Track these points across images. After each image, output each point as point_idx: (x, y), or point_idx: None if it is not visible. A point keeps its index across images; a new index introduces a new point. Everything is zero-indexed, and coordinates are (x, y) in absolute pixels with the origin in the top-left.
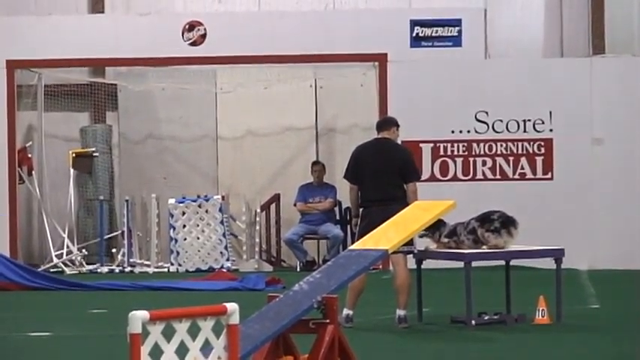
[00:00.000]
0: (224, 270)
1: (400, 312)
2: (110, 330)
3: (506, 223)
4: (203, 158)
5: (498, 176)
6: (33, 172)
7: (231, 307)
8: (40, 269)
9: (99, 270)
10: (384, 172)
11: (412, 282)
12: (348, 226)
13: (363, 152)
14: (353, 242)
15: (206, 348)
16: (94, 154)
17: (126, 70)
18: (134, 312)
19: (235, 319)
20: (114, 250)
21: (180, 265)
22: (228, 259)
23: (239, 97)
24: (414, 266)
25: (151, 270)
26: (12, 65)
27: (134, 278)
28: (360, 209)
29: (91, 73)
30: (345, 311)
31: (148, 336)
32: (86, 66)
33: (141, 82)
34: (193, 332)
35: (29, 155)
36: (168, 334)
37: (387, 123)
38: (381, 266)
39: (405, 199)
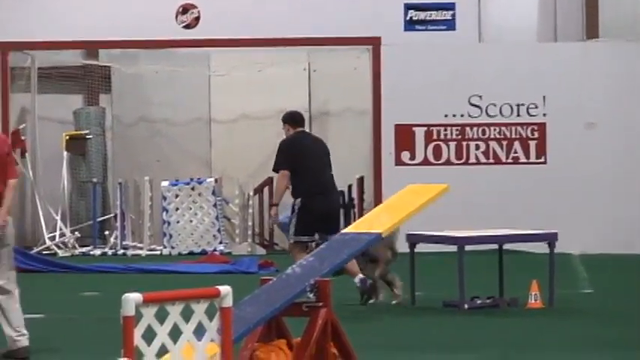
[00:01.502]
0: (217, 253)
1: (356, 279)
2: (103, 312)
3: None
4: (196, 141)
5: (492, 160)
6: (26, 155)
7: (224, 289)
8: (33, 251)
9: (92, 252)
10: (324, 163)
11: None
12: (341, 210)
13: (302, 142)
14: (347, 226)
15: (199, 331)
16: (88, 137)
17: (119, 53)
18: (127, 294)
19: (228, 302)
20: (107, 233)
21: (173, 247)
22: (221, 242)
23: (232, 81)
24: (408, 250)
25: (143, 252)
26: (5, 47)
27: (127, 261)
28: (299, 199)
29: (84, 56)
30: None
31: (141, 318)
32: (80, 48)
33: (134, 65)
34: (186, 315)
35: (22, 137)
36: (162, 316)
37: (303, 119)
38: None
39: None
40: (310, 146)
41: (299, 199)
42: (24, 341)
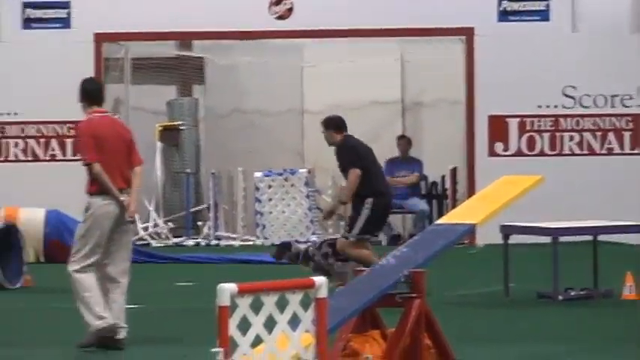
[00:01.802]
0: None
1: None
2: (198, 303)
3: None
4: (289, 132)
5: (586, 151)
6: None
7: (319, 280)
8: None
9: (185, 243)
10: (378, 163)
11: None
12: (434, 201)
13: (358, 144)
14: (439, 217)
15: (294, 321)
16: (181, 128)
17: (213, 44)
18: (223, 284)
19: (323, 293)
20: (200, 223)
21: (266, 238)
22: (313, 233)
23: (325, 71)
24: (501, 241)
25: (236, 243)
26: (100, 38)
27: (220, 251)
28: (370, 199)
29: (178, 47)
30: None
31: (236, 309)
32: (173, 39)
33: (227, 56)
34: (281, 305)
35: None
36: (256, 306)
37: (345, 123)
38: (467, 240)
39: None
40: (365, 148)
41: (370, 199)
42: (122, 333)
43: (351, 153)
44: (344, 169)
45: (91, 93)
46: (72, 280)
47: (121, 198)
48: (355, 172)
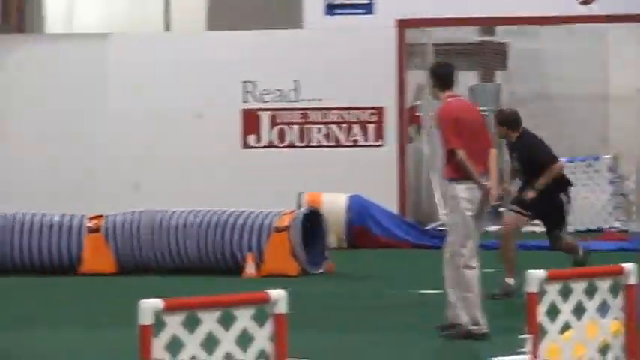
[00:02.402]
0: (613, 230)
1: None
2: (494, 289)
3: None
4: (593, 117)
5: None
6: (422, 131)
7: (629, 267)
8: (427, 228)
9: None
10: None
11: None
12: None
13: None
14: None
15: (602, 308)
16: (484, 113)
17: (515, 29)
18: (532, 271)
19: (633, 280)
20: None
21: (569, 224)
22: (616, 220)
23: (632, 56)
24: None
25: (538, 229)
26: (402, 24)
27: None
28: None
29: (480, 32)
30: (507, 280)
31: (545, 295)
32: (476, 25)
33: (531, 41)
34: (589, 292)
35: (418, 114)
36: (564, 293)
37: None
38: None
39: None
40: None
41: (569, 188)
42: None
43: (547, 147)
44: (543, 164)
45: (445, 77)
46: (458, 274)
47: (484, 183)
48: (560, 165)
